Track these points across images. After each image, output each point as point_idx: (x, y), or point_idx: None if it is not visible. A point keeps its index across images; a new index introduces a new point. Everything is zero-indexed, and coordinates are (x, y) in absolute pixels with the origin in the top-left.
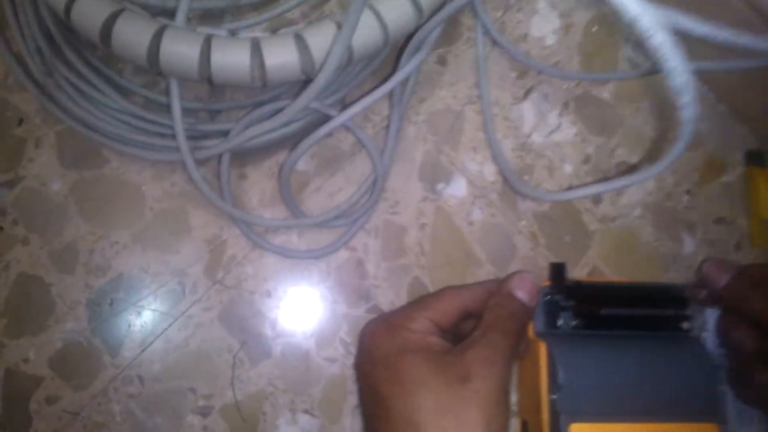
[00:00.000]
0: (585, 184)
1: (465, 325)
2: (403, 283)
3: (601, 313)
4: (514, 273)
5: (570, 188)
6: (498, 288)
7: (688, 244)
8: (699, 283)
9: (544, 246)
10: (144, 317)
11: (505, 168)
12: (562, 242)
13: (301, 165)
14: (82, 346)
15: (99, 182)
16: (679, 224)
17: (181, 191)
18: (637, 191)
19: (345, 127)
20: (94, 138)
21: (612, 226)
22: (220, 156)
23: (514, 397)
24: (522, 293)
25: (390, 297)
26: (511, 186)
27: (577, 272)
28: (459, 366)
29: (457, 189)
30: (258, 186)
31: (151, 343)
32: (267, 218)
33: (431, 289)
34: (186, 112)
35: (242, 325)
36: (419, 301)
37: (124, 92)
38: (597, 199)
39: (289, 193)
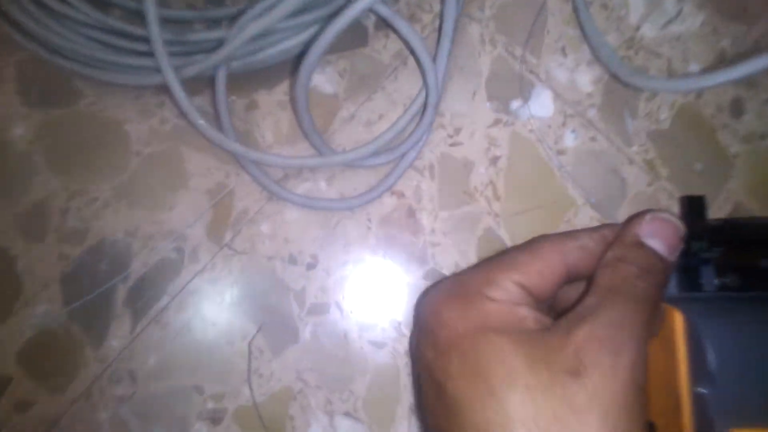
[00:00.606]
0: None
1: (567, 293)
2: (471, 238)
3: (765, 266)
4: (641, 213)
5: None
6: (619, 235)
7: None
8: None
9: (667, 179)
10: (133, 295)
11: (612, 60)
12: (691, 172)
13: (328, 86)
14: (57, 335)
15: (72, 122)
16: None
17: (173, 129)
18: None
19: (380, 16)
20: (63, 66)
21: (762, 147)
22: (216, 75)
23: None
24: (657, 241)
25: (453, 257)
26: (623, 81)
27: (714, 213)
28: (567, 352)
29: (541, 107)
30: (272, 117)
31: (144, 328)
32: (284, 156)
33: (509, 245)
34: (176, 24)
35: (259, 301)
36: (502, 259)
37: (97, 5)
38: (738, 109)
39: (307, 119)
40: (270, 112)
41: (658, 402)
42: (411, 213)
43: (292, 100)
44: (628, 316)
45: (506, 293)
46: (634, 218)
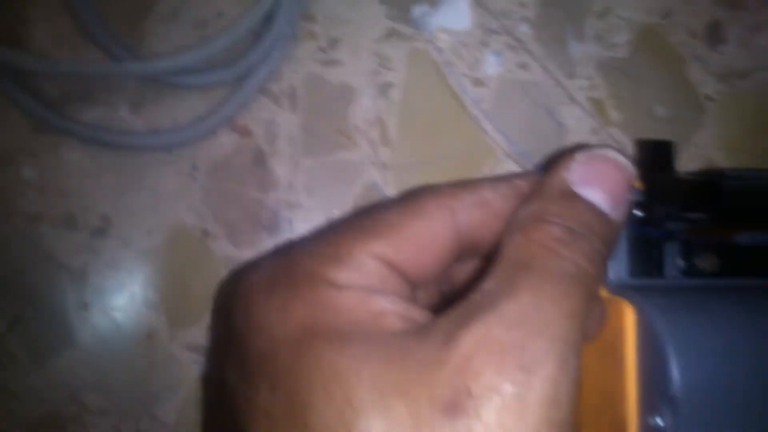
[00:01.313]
0: None
1: (461, 271)
2: (346, 197)
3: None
4: (573, 149)
5: None
6: (539, 185)
7: None
8: None
9: (618, 124)
10: None
11: None
12: (651, 117)
13: None
14: None
15: None
16: None
17: None
18: None
19: None
20: None
21: (742, 88)
22: None
23: None
24: (595, 190)
25: (318, 224)
26: None
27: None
28: (444, 373)
29: (455, 16)
30: (49, 9)
31: None
32: (45, 60)
33: None
34: None
35: (13, 285)
36: (359, 221)
37: None
38: (716, 36)
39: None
40: (46, 3)
41: (598, 426)
42: (260, 158)
43: None
44: (546, 305)
45: (359, 274)
46: (562, 159)
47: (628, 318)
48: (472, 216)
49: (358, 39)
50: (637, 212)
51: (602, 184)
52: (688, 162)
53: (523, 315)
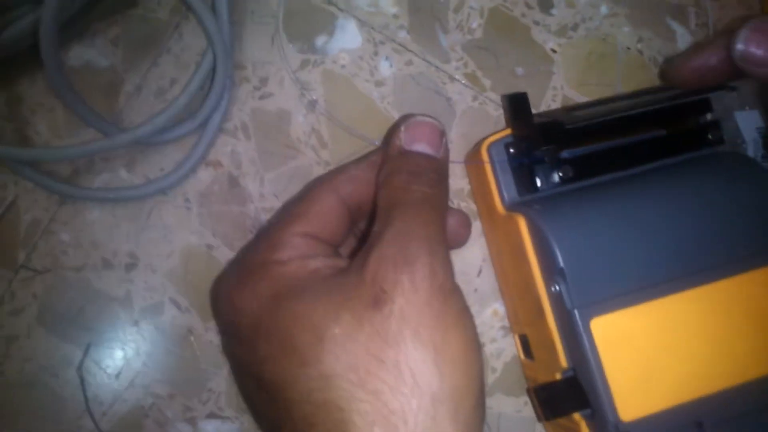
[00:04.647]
0: None
1: (363, 223)
2: None
3: (596, 150)
4: (397, 122)
5: None
6: (385, 154)
7: (682, 37)
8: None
9: (491, 89)
10: None
11: None
12: (515, 77)
13: (101, 59)
14: None
15: None
16: (663, 12)
17: None
18: None
19: None
20: None
21: (576, 38)
22: None
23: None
24: (419, 144)
25: None
26: None
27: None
28: (365, 286)
29: (348, 39)
30: (43, 108)
31: None
32: (54, 148)
33: None
34: None
35: (79, 321)
36: (281, 216)
37: None
38: (547, 2)
39: (73, 99)
40: (39, 103)
41: (525, 313)
42: (233, 182)
43: (50, 84)
44: (410, 223)
45: (294, 250)
46: (391, 131)
47: (522, 225)
48: (348, 189)
49: (280, 73)
50: (512, 150)
51: (421, 138)
52: (550, 101)
53: (398, 234)
